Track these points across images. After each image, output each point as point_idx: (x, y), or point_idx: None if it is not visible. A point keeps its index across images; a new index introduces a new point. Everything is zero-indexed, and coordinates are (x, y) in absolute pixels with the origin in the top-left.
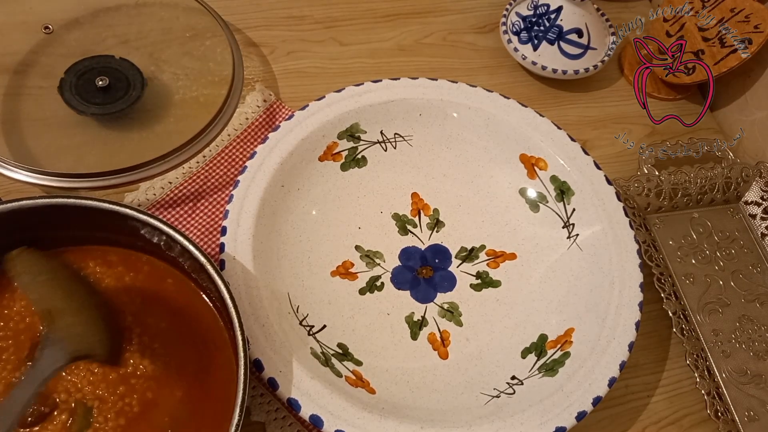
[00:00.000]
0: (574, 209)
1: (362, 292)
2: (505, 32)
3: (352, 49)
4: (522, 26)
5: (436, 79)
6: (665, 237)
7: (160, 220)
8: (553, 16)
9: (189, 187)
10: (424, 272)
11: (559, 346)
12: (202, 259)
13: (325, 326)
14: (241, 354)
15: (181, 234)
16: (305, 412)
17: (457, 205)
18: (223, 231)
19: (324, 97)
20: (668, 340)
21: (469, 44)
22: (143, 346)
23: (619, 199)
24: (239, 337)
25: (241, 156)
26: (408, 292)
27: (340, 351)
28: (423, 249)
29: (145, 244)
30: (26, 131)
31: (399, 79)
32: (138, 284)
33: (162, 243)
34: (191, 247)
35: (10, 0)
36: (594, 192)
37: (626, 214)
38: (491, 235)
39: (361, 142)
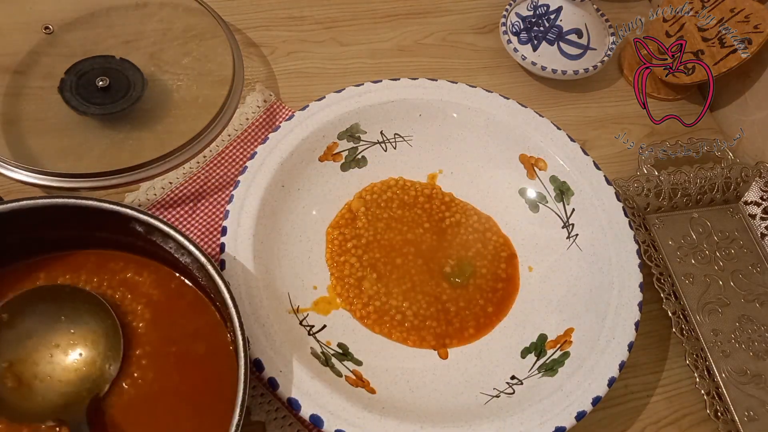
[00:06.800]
0: (573, 209)
1: None
2: (505, 32)
3: (352, 50)
4: (522, 26)
5: (436, 80)
6: (665, 237)
7: (161, 220)
8: (552, 17)
9: (189, 187)
10: None
11: (558, 346)
12: (203, 259)
13: (325, 326)
14: (242, 354)
15: (182, 234)
16: (305, 412)
17: None
18: (224, 231)
19: (324, 97)
20: (668, 340)
21: (469, 45)
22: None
23: (619, 200)
24: (239, 337)
25: (241, 156)
26: None
27: (340, 351)
28: None
29: (146, 244)
30: (26, 131)
31: (399, 79)
32: (141, 286)
33: (162, 243)
34: (191, 247)
35: (10, 0)
36: (593, 192)
37: (626, 214)
38: None
39: (361, 143)
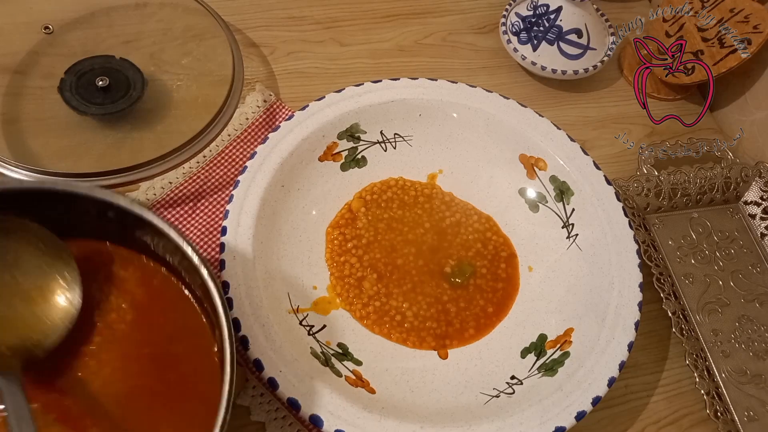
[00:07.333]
0: (573, 209)
1: None
2: (505, 32)
3: (352, 50)
4: (521, 26)
5: (436, 80)
6: (665, 237)
7: (152, 213)
8: (552, 17)
9: (189, 187)
10: None
11: (558, 346)
12: (183, 244)
13: (325, 326)
14: (227, 344)
15: (165, 221)
16: (305, 412)
17: None
18: (223, 231)
19: (324, 97)
20: (668, 340)
21: (468, 45)
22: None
23: (619, 199)
24: (224, 321)
25: (241, 156)
26: None
27: (340, 351)
28: None
29: (134, 242)
30: (26, 131)
31: (399, 79)
32: (125, 282)
33: (143, 236)
34: (172, 234)
35: (10, 0)
36: (593, 192)
37: (625, 214)
38: None
39: (361, 143)
